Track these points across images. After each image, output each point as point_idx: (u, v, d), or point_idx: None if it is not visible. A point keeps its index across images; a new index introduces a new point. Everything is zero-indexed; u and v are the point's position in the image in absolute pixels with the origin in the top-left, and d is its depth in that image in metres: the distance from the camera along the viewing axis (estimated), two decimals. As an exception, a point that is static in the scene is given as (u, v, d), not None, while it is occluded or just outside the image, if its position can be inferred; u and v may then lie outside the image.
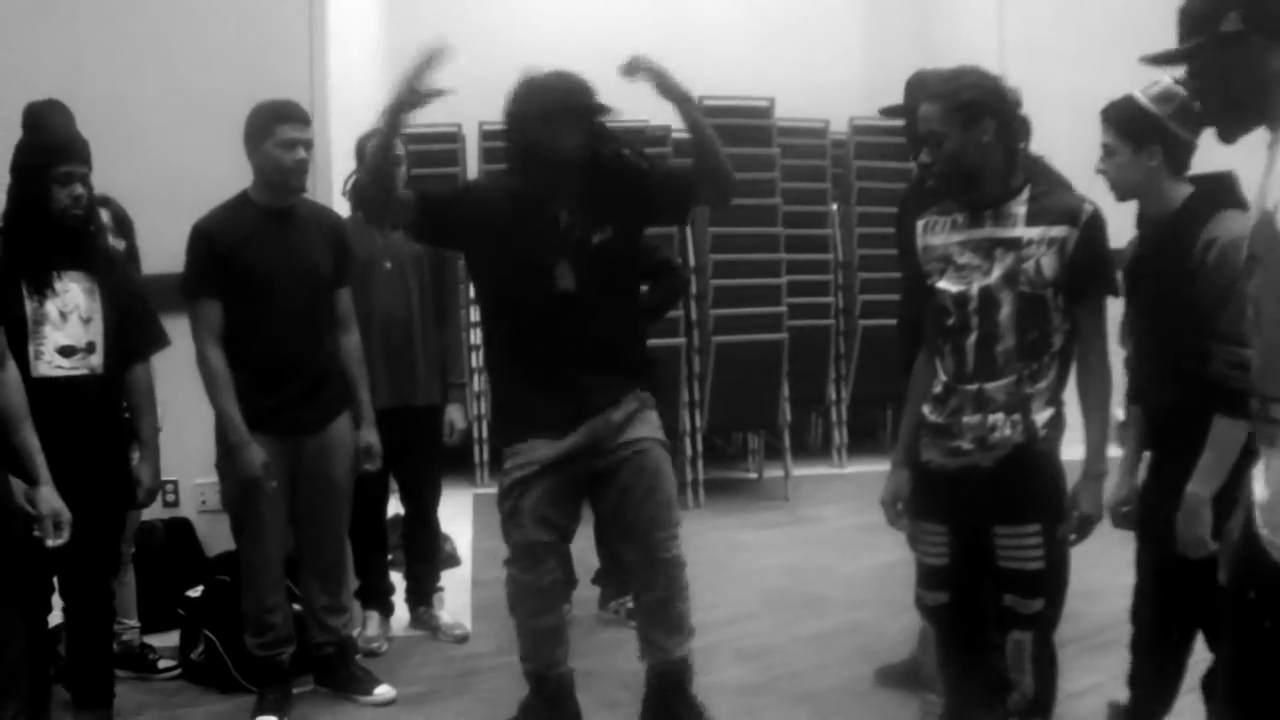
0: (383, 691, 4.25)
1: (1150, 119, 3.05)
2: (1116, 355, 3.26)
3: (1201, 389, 2.81)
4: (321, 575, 4.24)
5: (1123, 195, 3.21)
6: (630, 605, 4.97)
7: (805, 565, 5.81)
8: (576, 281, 3.54)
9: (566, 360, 3.56)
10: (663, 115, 7.29)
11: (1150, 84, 3.04)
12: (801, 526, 6.41)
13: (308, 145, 3.99)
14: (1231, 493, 2.47)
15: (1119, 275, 3.18)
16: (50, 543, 3.19)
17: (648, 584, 3.65)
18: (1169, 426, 3.09)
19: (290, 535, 4.16)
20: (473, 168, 7.69)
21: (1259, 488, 2.18)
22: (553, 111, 3.50)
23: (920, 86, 3.97)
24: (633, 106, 6.81)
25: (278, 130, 3.93)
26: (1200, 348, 2.84)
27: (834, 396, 7.98)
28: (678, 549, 3.64)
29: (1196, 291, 2.89)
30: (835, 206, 7.98)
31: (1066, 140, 3.85)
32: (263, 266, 3.93)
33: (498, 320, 3.78)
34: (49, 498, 3.22)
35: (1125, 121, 3.10)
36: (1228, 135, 2.19)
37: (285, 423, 3.99)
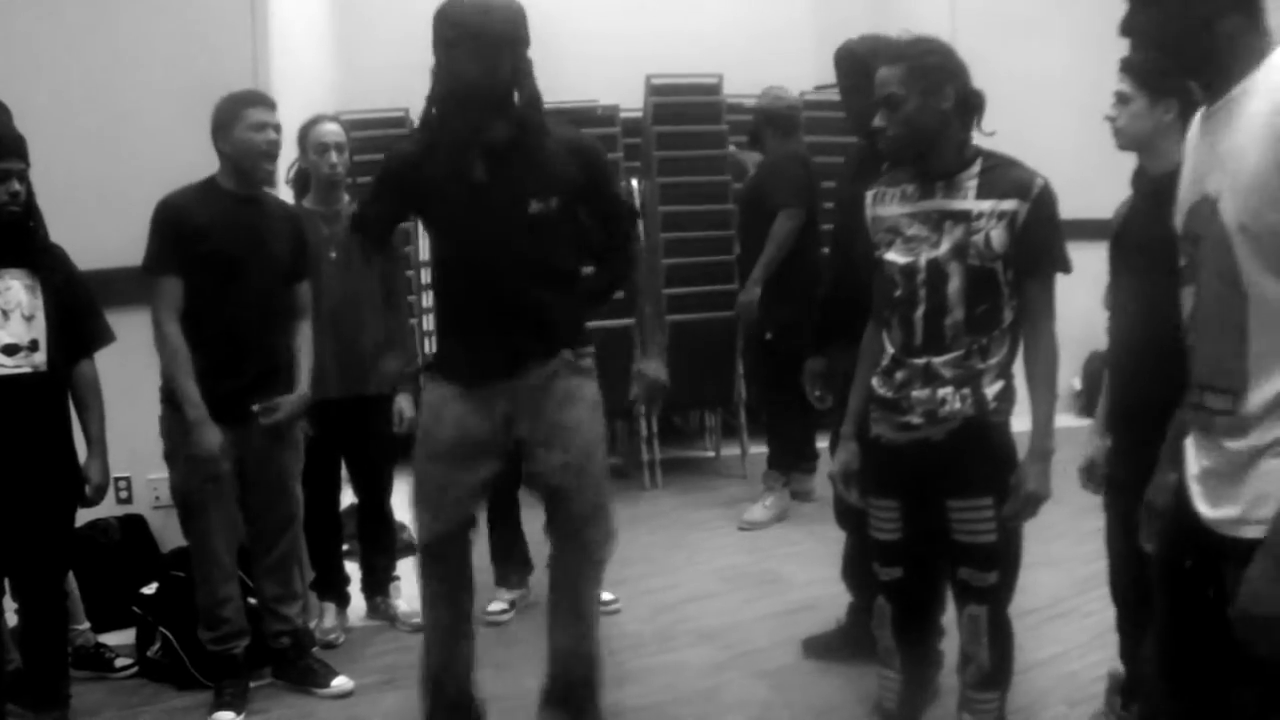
0: (340, 683, 4.23)
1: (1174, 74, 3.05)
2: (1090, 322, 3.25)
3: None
4: (273, 565, 4.22)
5: (1126, 145, 3.21)
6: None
7: (763, 543, 5.82)
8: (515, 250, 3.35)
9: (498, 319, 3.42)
10: (611, 95, 7.38)
11: None
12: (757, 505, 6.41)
13: (277, 128, 3.99)
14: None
15: (1103, 245, 3.20)
16: None
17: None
18: (1144, 408, 2.94)
19: (241, 527, 4.13)
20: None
21: (1192, 461, 2.20)
22: (459, 38, 3.23)
23: (849, 57, 4.00)
24: (581, 87, 6.80)
25: (247, 114, 3.92)
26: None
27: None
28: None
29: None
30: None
31: (1015, 115, 3.84)
32: (230, 250, 3.90)
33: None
34: None
35: (1147, 73, 3.07)
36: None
37: (236, 411, 3.95)
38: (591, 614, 3.55)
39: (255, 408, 4.01)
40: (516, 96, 3.32)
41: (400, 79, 4.36)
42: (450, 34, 3.23)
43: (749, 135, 6.51)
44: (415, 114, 7.61)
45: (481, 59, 3.23)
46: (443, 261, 3.58)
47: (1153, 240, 2.94)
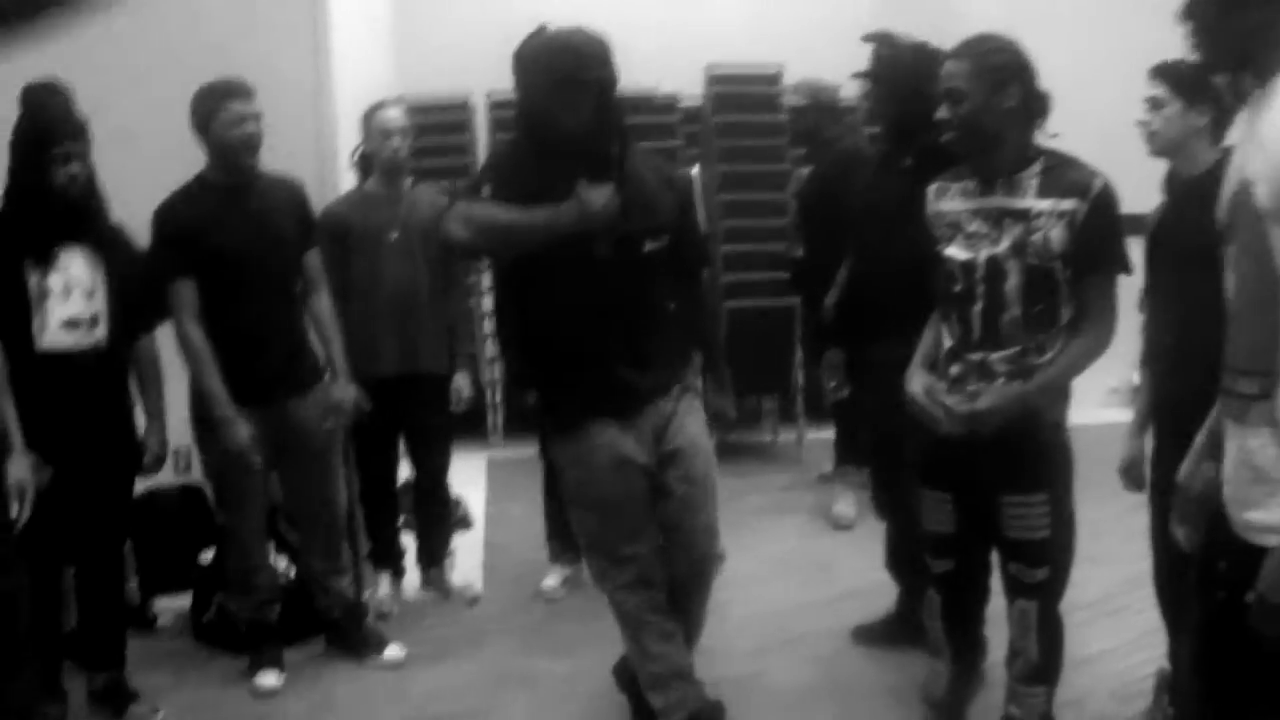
0: (392, 652, 4.32)
1: (1207, 80, 3.05)
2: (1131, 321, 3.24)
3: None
4: (319, 539, 4.32)
5: (1159, 150, 3.22)
6: None
7: (814, 529, 5.82)
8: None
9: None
10: (670, 83, 7.39)
11: None
12: (814, 490, 6.41)
13: (256, 118, 3.97)
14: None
15: (1144, 240, 3.17)
16: (12, 513, 3.19)
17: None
18: (1182, 408, 2.91)
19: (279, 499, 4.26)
20: (482, 138, 7.69)
21: (1227, 461, 2.19)
22: (562, 82, 3.12)
23: (884, 60, 3.97)
24: (641, 74, 6.80)
25: (224, 107, 3.92)
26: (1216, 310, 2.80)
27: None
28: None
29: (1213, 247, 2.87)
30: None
31: (1074, 112, 3.79)
32: (232, 245, 3.93)
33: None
34: (15, 469, 3.24)
35: (1181, 77, 3.10)
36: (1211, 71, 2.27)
37: (266, 393, 4.01)
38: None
39: (328, 425, 4.16)
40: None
41: (462, 63, 4.33)
42: (550, 80, 3.13)
43: (798, 133, 6.29)
44: (476, 99, 7.72)
45: (586, 107, 3.15)
46: (551, 305, 3.33)
47: (1186, 243, 2.98)
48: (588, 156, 3.17)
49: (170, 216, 3.94)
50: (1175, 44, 2.28)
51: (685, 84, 7.52)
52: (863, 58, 4.03)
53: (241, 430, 3.91)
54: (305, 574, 4.36)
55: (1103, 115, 4.55)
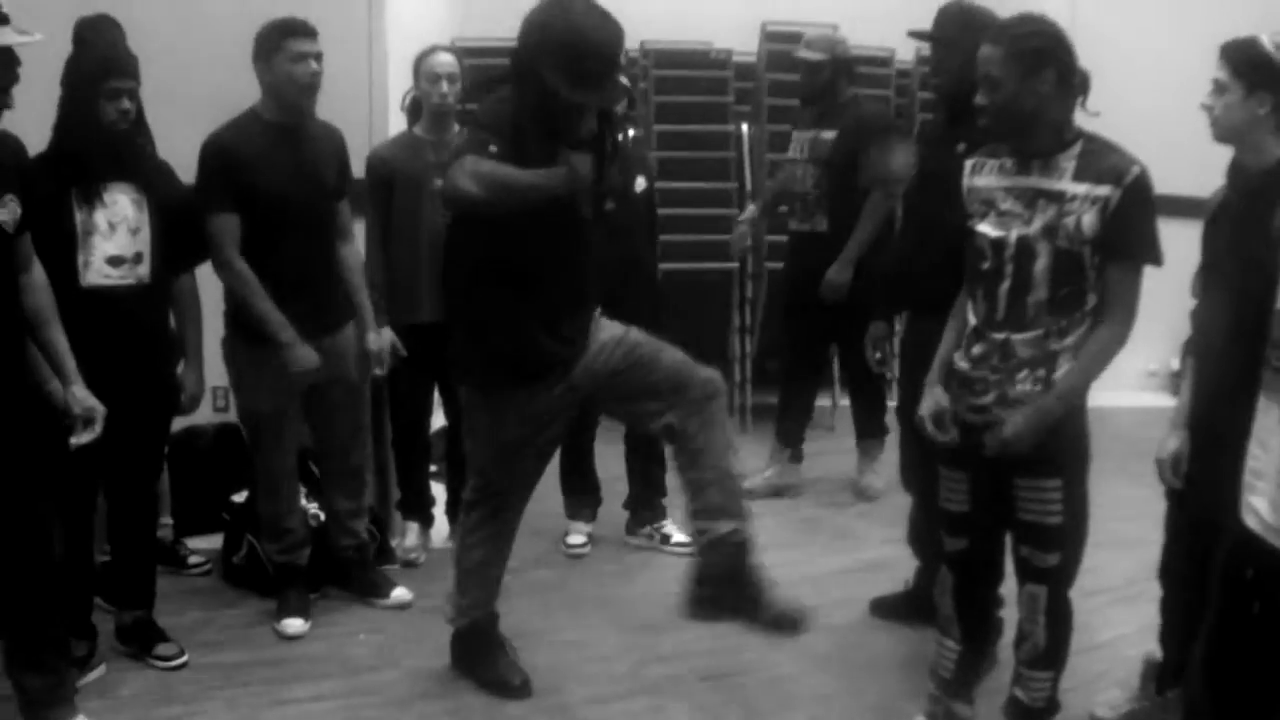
0: (399, 594, 4.44)
1: (1270, 65, 2.96)
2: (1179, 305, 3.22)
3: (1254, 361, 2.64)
4: (344, 479, 4.40)
5: (1221, 136, 3.15)
6: (664, 530, 5.06)
7: (841, 499, 5.83)
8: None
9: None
10: (726, 40, 7.34)
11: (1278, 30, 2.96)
12: (842, 457, 6.39)
13: (318, 58, 4.00)
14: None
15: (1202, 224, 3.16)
16: (78, 440, 3.27)
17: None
18: (1224, 398, 2.89)
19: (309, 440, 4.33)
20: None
21: (1257, 455, 2.19)
22: (591, 72, 3.23)
23: (950, 19, 3.91)
24: (696, 30, 6.75)
25: (287, 44, 3.95)
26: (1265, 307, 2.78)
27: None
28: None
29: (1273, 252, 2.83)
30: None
31: (1135, 94, 3.74)
32: (276, 183, 3.97)
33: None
34: (82, 396, 3.30)
35: (1243, 61, 3.01)
36: None
37: (299, 332, 4.04)
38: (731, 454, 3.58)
39: (378, 371, 4.30)
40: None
41: (519, 7, 4.27)
42: (585, 66, 3.22)
43: (811, 91, 5.71)
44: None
45: (603, 90, 3.30)
46: (526, 257, 3.46)
47: (1245, 241, 2.89)
48: (586, 130, 3.36)
49: (217, 150, 3.97)
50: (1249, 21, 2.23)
51: (740, 41, 7.47)
52: (921, 17, 3.98)
53: (307, 352, 4.00)
54: (326, 511, 4.43)
55: (1173, 92, 4.47)
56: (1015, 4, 3.20)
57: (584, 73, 3.21)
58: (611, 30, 3.27)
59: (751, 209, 5.79)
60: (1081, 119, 3.07)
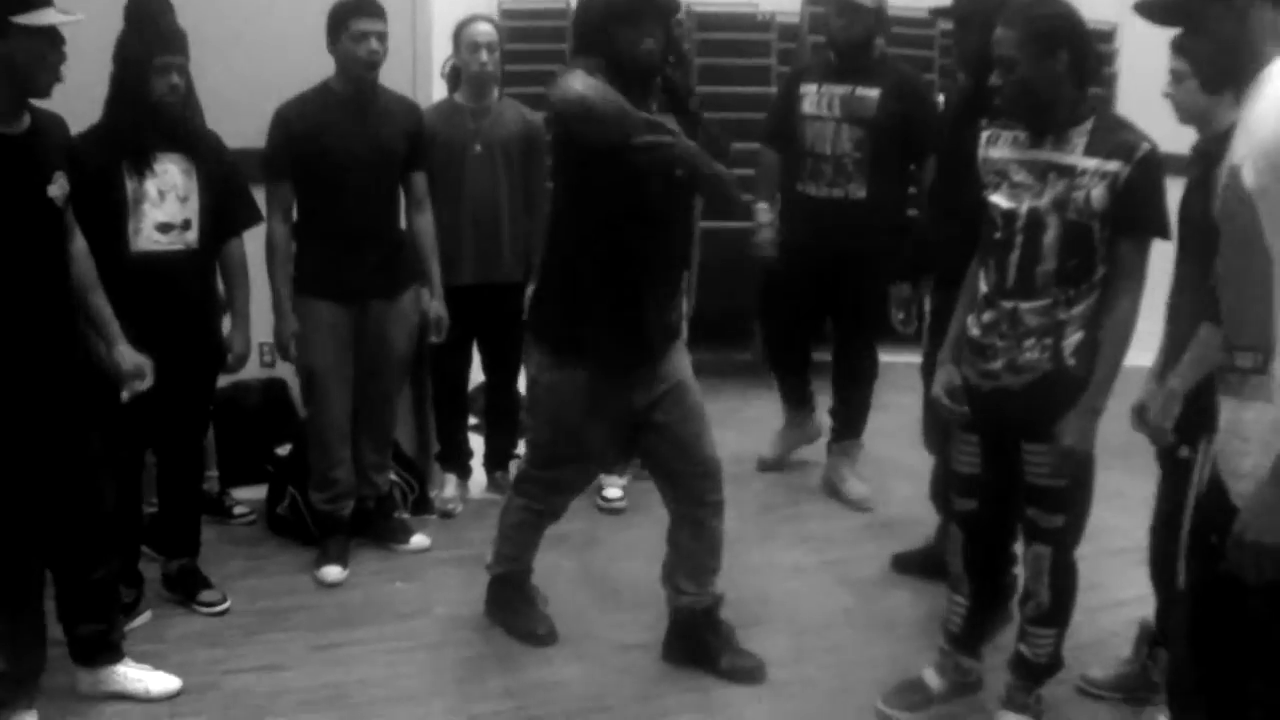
0: (418, 540, 4.66)
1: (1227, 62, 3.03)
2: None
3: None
4: (374, 434, 4.59)
5: (1185, 119, 3.28)
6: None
7: (867, 455, 5.61)
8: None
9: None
10: (769, 2, 7.37)
11: None
12: (877, 414, 6.35)
13: (381, 37, 4.20)
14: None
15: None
16: (131, 391, 3.46)
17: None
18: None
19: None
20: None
21: (1219, 436, 2.29)
22: (638, 10, 3.31)
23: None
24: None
25: (351, 24, 4.14)
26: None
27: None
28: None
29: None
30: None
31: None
32: (338, 150, 4.18)
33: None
34: (128, 354, 3.47)
35: (1198, 57, 3.08)
36: (1210, 88, 2.46)
37: (352, 291, 4.29)
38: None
39: (434, 339, 4.55)
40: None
41: None
42: (631, 8, 3.31)
43: (851, 39, 4.97)
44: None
45: (660, 34, 3.37)
46: (619, 225, 3.45)
47: (1196, 206, 3.03)
48: (659, 83, 3.42)
49: (278, 120, 4.23)
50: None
51: (784, 3, 7.53)
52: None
53: (288, 325, 4.26)
54: (355, 461, 4.56)
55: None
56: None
57: (642, 19, 3.30)
58: None
59: (764, 207, 5.27)
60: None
